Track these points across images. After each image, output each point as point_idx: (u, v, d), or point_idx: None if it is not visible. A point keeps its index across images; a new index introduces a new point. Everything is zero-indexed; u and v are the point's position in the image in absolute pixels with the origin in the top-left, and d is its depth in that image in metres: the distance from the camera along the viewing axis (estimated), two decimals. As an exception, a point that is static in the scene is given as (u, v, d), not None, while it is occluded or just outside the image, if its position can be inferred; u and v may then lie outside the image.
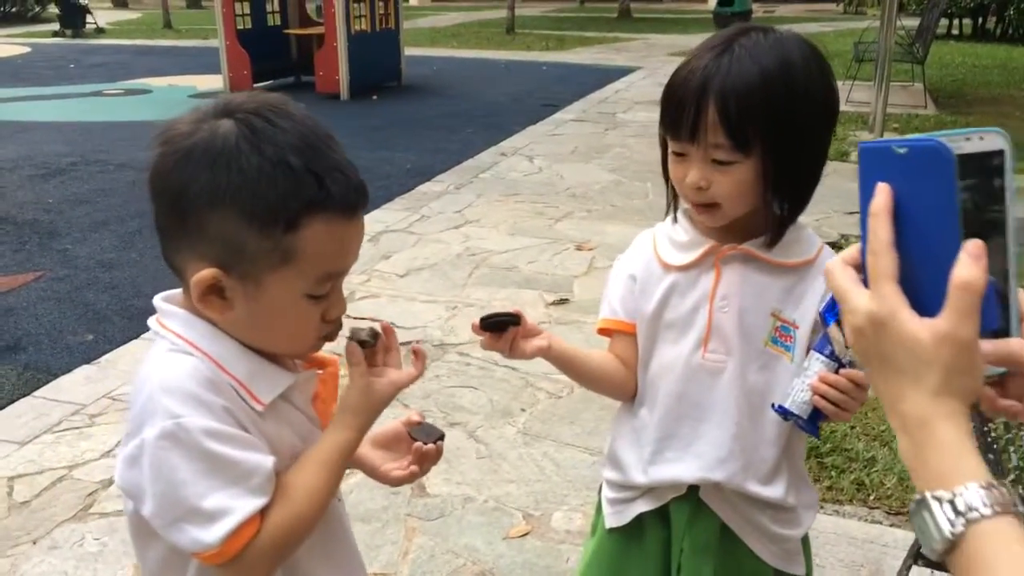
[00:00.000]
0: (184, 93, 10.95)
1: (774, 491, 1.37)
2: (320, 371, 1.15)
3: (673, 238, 1.38)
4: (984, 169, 0.69)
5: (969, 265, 0.66)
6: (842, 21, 21.46)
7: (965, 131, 0.70)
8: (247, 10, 10.87)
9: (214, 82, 10.97)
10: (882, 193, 0.72)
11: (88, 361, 3.69)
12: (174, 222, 1.00)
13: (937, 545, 0.66)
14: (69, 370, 3.61)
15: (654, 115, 5.93)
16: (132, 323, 4.07)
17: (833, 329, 1.10)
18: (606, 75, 12.22)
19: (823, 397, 1.21)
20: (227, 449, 0.96)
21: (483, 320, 1.33)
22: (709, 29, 16.67)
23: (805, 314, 1.32)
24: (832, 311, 1.11)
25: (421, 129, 8.66)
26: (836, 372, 1.22)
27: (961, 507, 0.65)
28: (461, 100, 10.48)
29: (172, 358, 1.01)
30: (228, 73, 10.60)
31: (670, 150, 1.29)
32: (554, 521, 2.63)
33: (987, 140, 0.69)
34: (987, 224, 0.69)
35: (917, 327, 0.68)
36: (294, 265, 0.98)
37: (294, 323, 1.04)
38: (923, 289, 0.69)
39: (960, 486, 0.66)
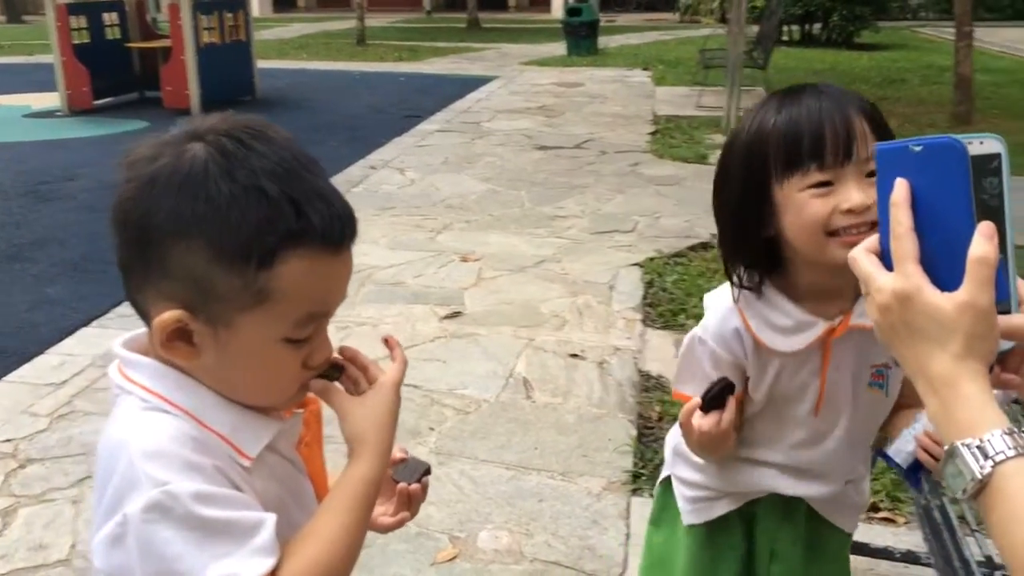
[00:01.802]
0: (18, 112, 10.20)
1: (861, 469, 1.45)
2: (301, 411, 1.06)
3: (771, 320, 1.30)
4: (984, 169, 0.79)
5: (984, 243, 0.77)
6: (679, 30, 22.31)
7: (967, 136, 0.79)
8: (84, 23, 10.23)
9: (50, 100, 10.27)
10: (901, 186, 0.82)
11: (-56, 410, 3.35)
12: (136, 256, 0.90)
13: (969, 487, 0.74)
14: (-77, 422, 3.26)
15: (518, 123, 6.05)
16: (-9, 365, 3.72)
17: None
18: (464, 85, 12.24)
19: (926, 451, 1.28)
20: (223, 512, 0.85)
21: (706, 399, 1.27)
22: (558, 39, 17.00)
23: None
24: None
25: (283, 144, 8.36)
26: None
27: (989, 451, 0.74)
28: (321, 113, 10.23)
29: (148, 418, 0.89)
30: (66, 90, 9.95)
31: (802, 188, 1.19)
32: (480, 541, 2.57)
33: (986, 145, 0.79)
34: (988, 215, 0.79)
35: (941, 299, 0.78)
36: (271, 306, 0.88)
37: (271, 371, 0.93)
38: (939, 268, 0.79)
39: (986, 433, 0.74)
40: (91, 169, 7.22)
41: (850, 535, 1.52)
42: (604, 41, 16.87)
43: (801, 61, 14.43)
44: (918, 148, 0.81)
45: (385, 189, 6.69)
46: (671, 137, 8.52)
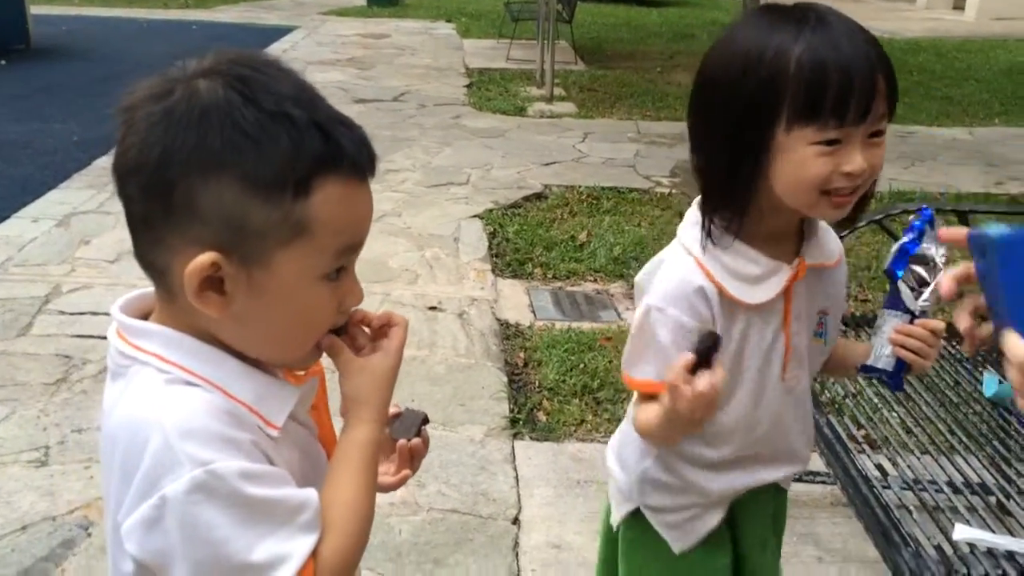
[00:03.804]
0: None
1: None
2: (304, 374, 1.02)
3: (739, 271, 1.21)
4: None
5: None
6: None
7: None
8: None
9: None
10: None
11: None
12: (154, 204, 0.81)
13: None
14: None
15: (330, 76, 5.97)
16: None
17: (903, 283, 1.21)
18: (264, 35, 11.69)
19: (903, 347, 1.24)
20: (268, 490, 0.82)
21: (699, 353, 1.11)
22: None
23: (835, 297, 1.33)
24: (899, 265, 1.21)
25: (74, 96, 7.69)
26: (911, 323, 1.24)
27: None
28: (111, 63, 9.43)
29: (176, 393, 0.84)
30: None
31: (812, 142, 1.10)
32: (373, 496, 2.57)
33: None
34: None
35: None
36: (308, 239, 0.83)
37: (308, 314, 0.89)
38: None
39: None
40: None
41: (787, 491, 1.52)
42: (403, -9, 16.61)
43: (597, 16, 14.86)
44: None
45: (201, 145, 6.33)
46: (486, 90, 8.59)
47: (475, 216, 4.96)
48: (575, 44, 10.82)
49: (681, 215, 1.32)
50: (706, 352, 1.12)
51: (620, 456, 1.43)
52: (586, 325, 3.72)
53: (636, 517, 1.40)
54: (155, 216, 0.83)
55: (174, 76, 0.83)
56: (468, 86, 8.78)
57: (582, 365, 3.36)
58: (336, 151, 0.84)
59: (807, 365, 1.32)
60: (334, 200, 0.84)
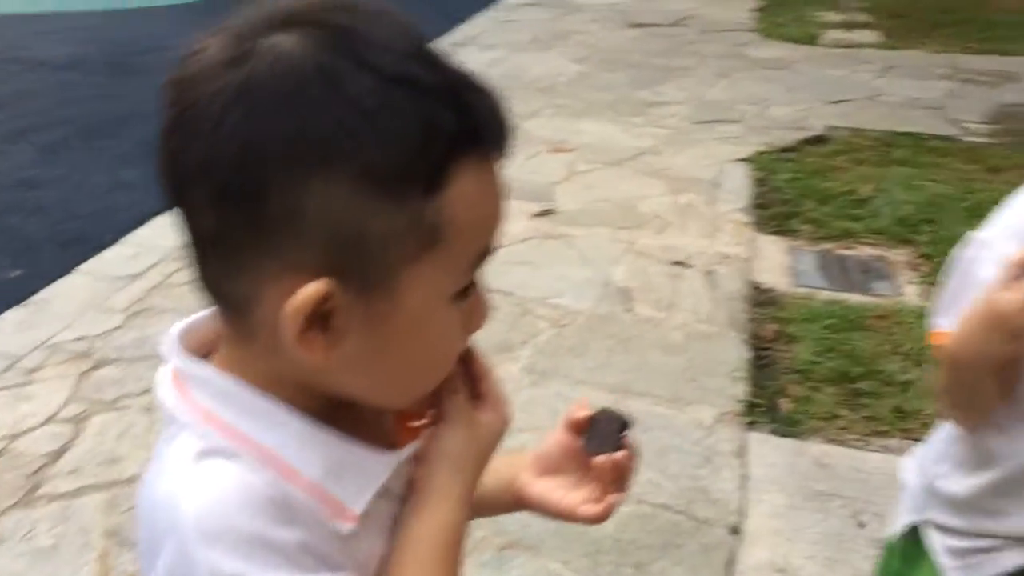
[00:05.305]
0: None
1: None
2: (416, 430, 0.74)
3: None
4: None
5: None
6: None
7: None
8: None
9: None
10: None
11: (17, 302, 3.22)
12: (234, 218, 0.57)
13: None
14: (-4, 314, 3.15)
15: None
16: (67, 253, 3.59)
17: None
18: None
19: None
20: None
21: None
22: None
23: None
24: None
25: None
26: None
27: None
28: None
29: (207, 472, 0.60)
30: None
31: None
32: (580, 475, 2.34)
33: None
34: None
35: None
36: (443, 248, 0.59)
37: (439, 348, 0.65)
38: None
39: None
40: (178, 40, 6.99)
41: None
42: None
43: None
44: None
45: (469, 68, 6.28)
46: (778, 14, 7.83)
47: (742, 159, 4.47)
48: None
49: (996, 170, 0.99)
50: None
51: (918, 457, 1.25)
52: (855, 298, 3.21)
53: (915, 533, 1.22)
54: (234, 234, 0.58)
55: (243, 31, 0.57)
56: (758, 10, 8.05)
57: (845, 346, 2.89)
58: (471, 123, 0.58)
59: None
60: (471, 191, 0.59)
